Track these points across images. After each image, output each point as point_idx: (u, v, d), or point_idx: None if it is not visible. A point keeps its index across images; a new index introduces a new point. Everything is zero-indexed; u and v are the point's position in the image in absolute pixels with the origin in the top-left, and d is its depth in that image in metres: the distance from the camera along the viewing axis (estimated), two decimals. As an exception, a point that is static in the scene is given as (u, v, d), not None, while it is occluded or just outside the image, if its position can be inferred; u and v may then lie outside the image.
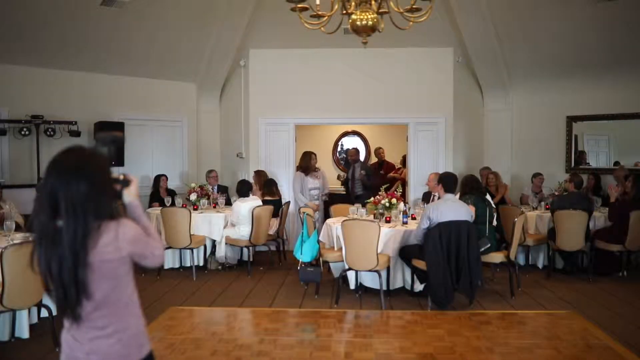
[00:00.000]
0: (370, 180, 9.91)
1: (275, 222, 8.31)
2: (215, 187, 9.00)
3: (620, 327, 5.41)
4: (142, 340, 2.09)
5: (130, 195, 2.12)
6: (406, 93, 9.43)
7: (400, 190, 7.41)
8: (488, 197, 6.92)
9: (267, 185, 8.63)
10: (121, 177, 2.11)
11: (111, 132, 2.15)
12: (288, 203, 8.69)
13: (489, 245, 6.44)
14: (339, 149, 13.07)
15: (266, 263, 8.21)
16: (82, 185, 1.88)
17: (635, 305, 6.17)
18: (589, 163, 9.75)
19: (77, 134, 8.38)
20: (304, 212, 6.85)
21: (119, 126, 8.57)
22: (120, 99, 9.18)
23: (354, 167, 10.15)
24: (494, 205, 6.91)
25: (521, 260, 7.98)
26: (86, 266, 1.88)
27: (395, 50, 9.22)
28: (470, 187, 6.71)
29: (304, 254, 6.52)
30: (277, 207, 8.36)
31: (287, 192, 9.26)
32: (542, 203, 8.32)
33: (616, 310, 5.99)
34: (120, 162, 8.33)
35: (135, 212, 2.12)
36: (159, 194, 8.76)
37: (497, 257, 6.58)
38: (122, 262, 1.97)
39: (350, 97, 9.47)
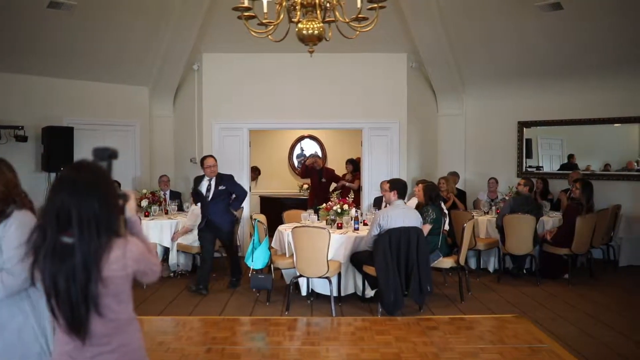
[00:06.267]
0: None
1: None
2: (167, 193, 8.83)
3: (562, 329, 5.58)
4: (143, 353, 2.13)
5: (130, 210, 2.10)
6: (360, 98, 9.45)
7: (353, 196, 7.44)
8: (442, 204, 6.99)
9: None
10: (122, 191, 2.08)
11: (107, 146, 2.06)
12: (242, 209, 8.60)
13: (440, 257, 6.53)
14: (296, 152, 12.86)
15: (219, 269, 8.12)
16: (96, 201, 1.90)
17: (577, 308, 6.35)
18: (542, 167, 9.93)
19: (23, 139, 8.11)
20: (255, 219, 6.81)
21: (68, 131, 8.34)
22: (70, 103, 8.91)
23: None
24: (446, 211, 6.98)
25: (472, 264, 8.12)
26: (99, 282, 1.88)
27: (349, 56, 9.23)
28: (432, 197, 6.72)
29: (255, 260, 6.48)
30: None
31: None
32: (494, 207, 8.45)
33: (560, 312, 6.16)
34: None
35: (135, 227, 2.13)
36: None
37: (447, 262, 6.67)
38: (126, 280, 1.98)
39: (305, 101, 9.44)
